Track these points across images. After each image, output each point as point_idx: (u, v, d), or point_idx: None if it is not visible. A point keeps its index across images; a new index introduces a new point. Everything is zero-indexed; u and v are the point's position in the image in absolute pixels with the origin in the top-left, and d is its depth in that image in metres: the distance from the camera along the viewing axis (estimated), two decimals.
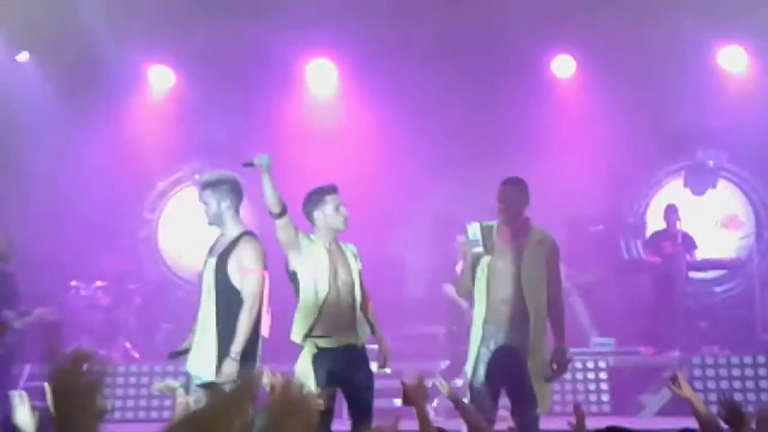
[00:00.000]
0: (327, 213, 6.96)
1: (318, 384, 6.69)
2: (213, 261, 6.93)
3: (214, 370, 6.70)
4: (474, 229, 7.10)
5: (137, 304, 12.67)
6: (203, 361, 6.80)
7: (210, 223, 7.05)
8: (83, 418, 1.98)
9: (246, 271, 6.83)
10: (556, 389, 10.58)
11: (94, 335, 12.30)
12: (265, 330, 6.89)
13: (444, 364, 11.22)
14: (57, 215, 13.10)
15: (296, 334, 6.87)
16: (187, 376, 6.95)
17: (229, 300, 6.82)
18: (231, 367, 6.60)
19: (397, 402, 10.37)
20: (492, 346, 7.12)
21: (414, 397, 4.72)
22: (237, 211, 7.02)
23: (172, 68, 13.92)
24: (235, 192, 7.05)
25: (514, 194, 7.24)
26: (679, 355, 11.65)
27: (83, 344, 12.10)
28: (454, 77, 12.96)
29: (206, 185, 7.08)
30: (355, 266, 7.07)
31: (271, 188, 6.73)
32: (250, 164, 6.76)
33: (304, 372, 6.79)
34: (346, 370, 6.87)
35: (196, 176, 13.16)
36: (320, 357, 6.83)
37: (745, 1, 12.27)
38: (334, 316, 6.88)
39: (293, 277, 6.94)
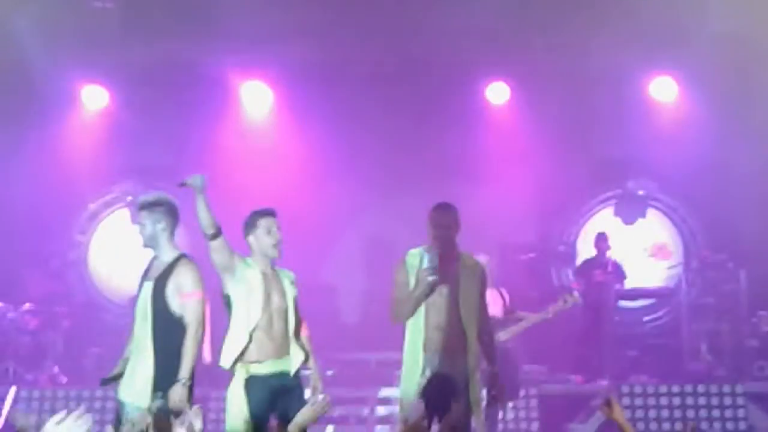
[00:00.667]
0: (259, 237, 6.91)
1: (251, 410, 6.63)
2: (149, 285, 6.83)
3: (149, 397, 6.60)
4: (432, 257, 7.03)
5: (65, 328, 12.48)
6: (137, 388, 6.69)
7: (145, 246, 6.96)
8: None
9: (186, 296, 6.73)
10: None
11: (21, 359, 12.10)
12: (207, 354, 6.83)
13: (381, 391, 11.20)
14: None
15: (225, 360, 6.78)
16: (119, 404, 6.85)
17: (166, 325, 6.72)
18: (181, 392, 6.51)
19: (329, 430, 10.37)
20: (427, 374, 7.08)
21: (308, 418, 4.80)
22: (173, 233, 6.93)
23: (105, 88, 13.76)
24: (172, 214, 6.96)
25: (450, 220, 7.21)
26: (608, 384, 11.71)
27: (9, 368, 11.91)
28: (389, 102, 12.99)
29: (143, 206, 6.98)
30: (291, 292, 7.01)
31: (206, 209, 6.67)
32: (184, 184, 6.70)
33: (237, 397, 6.73)
34: (279, 397, 6.81)
35: (129, 198, 13.05)
36: (252, 383, 6.77)
37: (676, 33, 12.44)
38: (265, 341, 6.82)
39: (227, 301, 6.88)
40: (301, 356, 6.95)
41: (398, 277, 7.15)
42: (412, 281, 7.09)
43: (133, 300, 6.98)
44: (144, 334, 6.76)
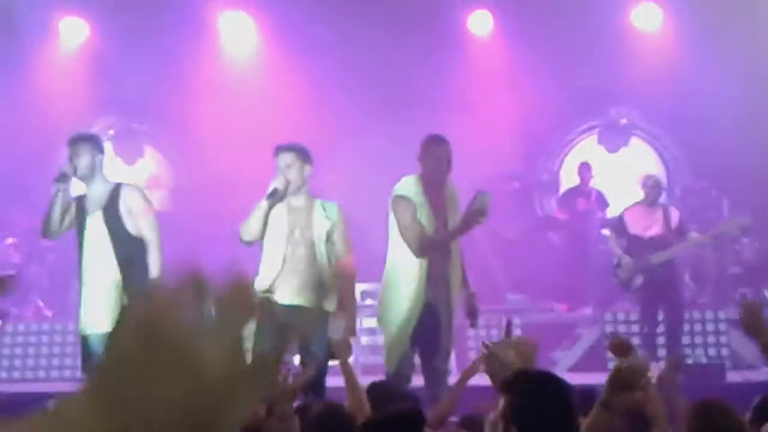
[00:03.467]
0: (277, 172, 6.93)
1: (256, 335, 6.60)
2: (98, 215, 6.92)
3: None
4: (484, 199, 6.91)
5: (50, 262, 12.47)
6: (100, 316, 6.75)
7: (81, 178, 7.04)
8: None
9: (140, 215, 6.94)
10: (471, 345, 10.67)
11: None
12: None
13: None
14: None
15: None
16: (84, 339, 6.91)
17: (127, 248, 6.87)
18: None
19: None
20: (419, 304, 7.06)
21: (338, 352, 4.75)
22: (102, 166, 7.13)
23: (84, 20, 13.63)
24: (102, 148, 7.27)
25: (450, 154, 7.18)
26: (592, 312, 11.81)
27: None
28: (371, 32, 12.89)
29: (80, 139, 7.10)
30: (321, 224, 6.95)
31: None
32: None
33: (248, 330, 6.71)
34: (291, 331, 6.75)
35: (111, 132, 12.99)
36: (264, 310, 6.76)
37: None
38: (288, 273, 6.83)
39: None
40: (328, 291, 6.90)
41: (407, 215, 7.01)
42: (419, 216, 7.01)
43: (77, 235, 7.02)
44: (101, 264, 6.85)
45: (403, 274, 7.07)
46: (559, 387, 3.45)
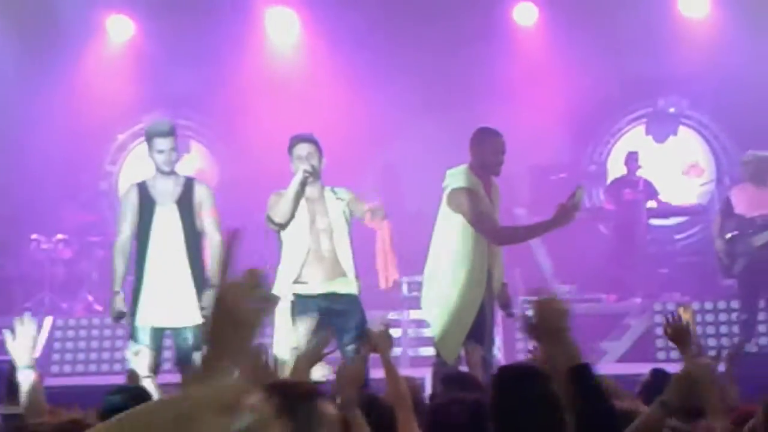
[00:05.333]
0: (295, 162, 6.95)
1: (297, 332, 6.63)
2: (171, 208, 6.96)
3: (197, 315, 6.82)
4: (581, 192, 6.97)
5: (99, 257, 12.55)
6: (190, 310, 6.85)
7: (167, 171, 7.07)
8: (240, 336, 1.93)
9: (208, 212, 7.04)
10: (519, 337, 10.63)
11: (56, 289, 12.22)
12: None
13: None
14: (16, 168, 12.97)
15: (280, 286, 6.80)
16: (156, 332, 6.96)
17: (196, 244, 6.97)
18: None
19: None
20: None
21: (379, 345, 4.72)
22: None
23: (130, 18, 13.72)
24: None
25: (504, 146, 7.16)
26: (641, 302, 11.73)
27: (45, 298, 12.04)
28: (414, 26, 12.89)
29: (170, 133, 7.11)
30: (336, 211, 7.00)
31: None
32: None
33: (283, 321, 6.75)
34: (330, 320, 6.80)
35: None
36: (300, 305, 6.79)
37: None
38: (314, 262, 6.86)
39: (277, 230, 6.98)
40: (355, 278, 6.94)
41: (481, 205, 6.96)
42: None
43: (143, 228, 7.05)
44: (169, 257, 6.89)
45: (462, 265, 6.98)
46: (540, 380, 3.37)
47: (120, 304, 6.96)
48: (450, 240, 7.05)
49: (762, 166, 10.18)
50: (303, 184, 6.80)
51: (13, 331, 4.28)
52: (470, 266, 6.96)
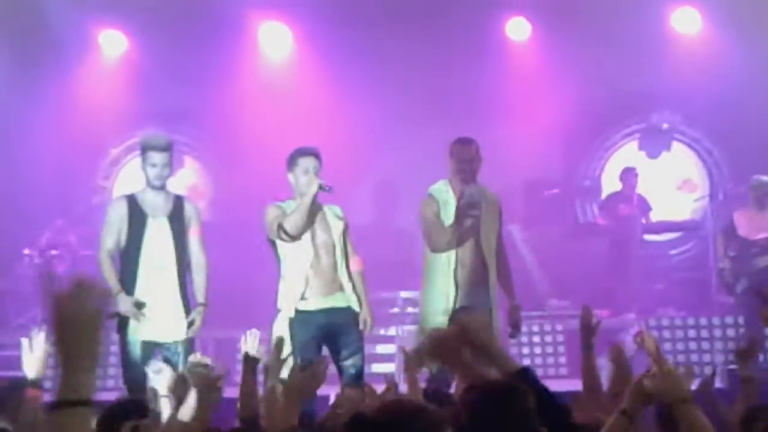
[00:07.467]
0: (297, 176, 6.89)
1: (295, 348, 6.59)
2: (162, 221, 6.94)
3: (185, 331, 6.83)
4: (473, 192, 7.06)
5: (93, 272, 12.50)
6: (180, 325, 6.85)
7: (158, 186, 7.05)
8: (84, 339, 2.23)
9: (194, 231, 7.11)
10: (514, 352, 10.61)
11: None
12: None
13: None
14: (8, 182, 12.94)
15: (284, 303, 6.78)
16: (146, 346, 6.93)
17: (184, 260, 6.94)
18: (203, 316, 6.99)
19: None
20: (454, 308, 7.04)
21: (410, 365, 4.87)
22: None
23: (123, 33, 13.71)
24: None
25: (472, 153, 7.19)
26: (635, 317, 11.70)
27: (36, 314, 11.98)
28: (408, 40, 12.88)
29: (167, 147, 7.10)
30: (337, 227, 6.99)
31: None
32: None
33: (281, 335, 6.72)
34: (329, 335, 6.79)
35: None
36: (299, 320, 6.75)
37: None
38: (313, 278, 6.82)
39: (273, 246, 6.92)
40: (352, 293, 6.92)
41: (429, 210, 7.10)
42: (443, 215, 7.08)
43: (134, 240, 6.99)
44: (161, 271, 6.88)
45: (437, 276, 7.11)
46: (514, 396, 3.28)
47: (129, 299, 6.89)
48: (425, 252, 7.19)
49: (766, 191, 10.33)
50: (319, 192, 6.79)
51: (31, 341, 4.32)
52: (434, 275, 7.10)
